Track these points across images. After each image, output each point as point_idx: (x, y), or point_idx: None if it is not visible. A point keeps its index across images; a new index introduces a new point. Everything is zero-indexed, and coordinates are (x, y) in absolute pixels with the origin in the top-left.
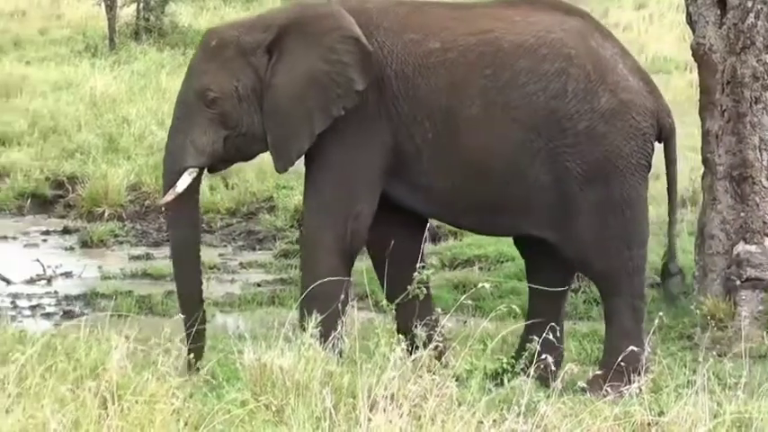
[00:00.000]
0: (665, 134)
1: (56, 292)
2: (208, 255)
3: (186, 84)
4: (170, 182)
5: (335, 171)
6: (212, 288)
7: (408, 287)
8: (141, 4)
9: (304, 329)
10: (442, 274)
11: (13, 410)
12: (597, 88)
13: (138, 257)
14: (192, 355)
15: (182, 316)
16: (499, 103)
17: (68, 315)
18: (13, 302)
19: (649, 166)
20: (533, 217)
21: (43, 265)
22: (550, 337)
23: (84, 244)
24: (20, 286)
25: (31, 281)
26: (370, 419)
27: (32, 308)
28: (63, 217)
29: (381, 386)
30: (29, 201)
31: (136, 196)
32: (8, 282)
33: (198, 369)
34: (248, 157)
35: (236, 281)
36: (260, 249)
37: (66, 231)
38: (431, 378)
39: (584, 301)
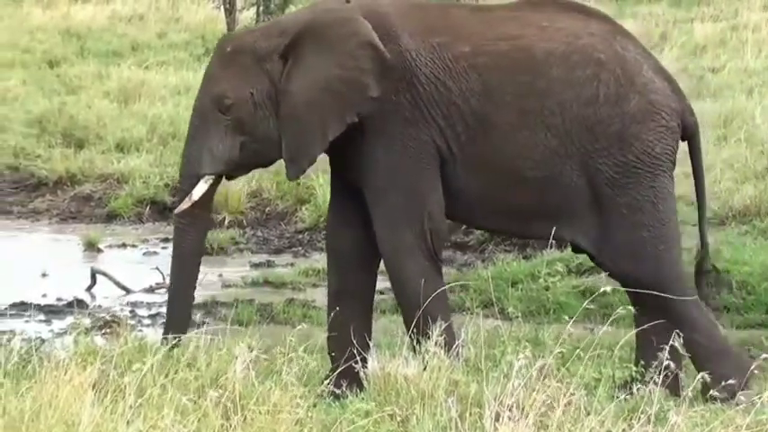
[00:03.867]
0: (690, 132)
1: None
2: None
3: (202, 90)
4: (186, 190)
5: (393, 175)
6: None
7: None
8: (261, 8)
9: (428, 336)
10: (569, 280)
11: (133, 421)
12: (627, 92)
13: (258, 265)
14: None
15: (167, 323)
16: (534, 110)
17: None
18: (132, 311)
19: (674, 164)
20: (565, 221)
21: (163, 274)
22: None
23: (204, 251)
24: (139, 295)
25: (150, 289)
26: (496, 429)
27: (152, 317)
28: None
29: (507, 395)
30: (148, 208)
31: (257, 203)
32: (127, 290)
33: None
34: (267, 163)
35: None
36: None
37: None
38: (557, 386)
39: (713, 309)
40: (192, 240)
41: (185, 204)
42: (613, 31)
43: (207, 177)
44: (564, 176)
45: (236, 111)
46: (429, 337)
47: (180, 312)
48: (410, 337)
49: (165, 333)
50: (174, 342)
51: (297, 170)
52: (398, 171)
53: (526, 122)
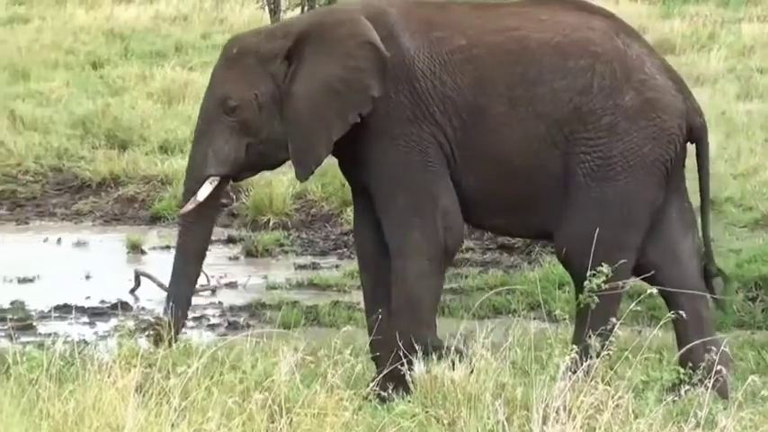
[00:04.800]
0: (696, 134)
1: (220, 303)
2: None
3: (208, 92)
4: (191, 190)
5: (400, 176)
6: None
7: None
8: (306, 8)
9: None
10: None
11: (178, 424)
12: (622, 86)
13: (303, 267)
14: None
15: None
16: (525, 99)
17: (233, 326)
18: None
19: (668, 171)
20: (549, 213)
21: (207, 276)
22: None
23: (249, 253)
24: None
25: (194, 292)
26: None
27: (197, 319)
28: (227, 226)
29: (554, 398)
30: None
31: (301, 205)
32: None
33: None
34: (274, 164)
35: None
36: None
37: (230, 241)
38: (605, 389)
39: (763, 310)
40: (195, 240)
41: (190, 205)
42: (617, 29)
43: (212, 179)
44: (550, 164)
45: (241, 112)
46: (412, 337)
47: (176, 311)
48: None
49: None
50: (168, 343)
51: (304, 172)
52: (405, 172)
53: (517, 112)
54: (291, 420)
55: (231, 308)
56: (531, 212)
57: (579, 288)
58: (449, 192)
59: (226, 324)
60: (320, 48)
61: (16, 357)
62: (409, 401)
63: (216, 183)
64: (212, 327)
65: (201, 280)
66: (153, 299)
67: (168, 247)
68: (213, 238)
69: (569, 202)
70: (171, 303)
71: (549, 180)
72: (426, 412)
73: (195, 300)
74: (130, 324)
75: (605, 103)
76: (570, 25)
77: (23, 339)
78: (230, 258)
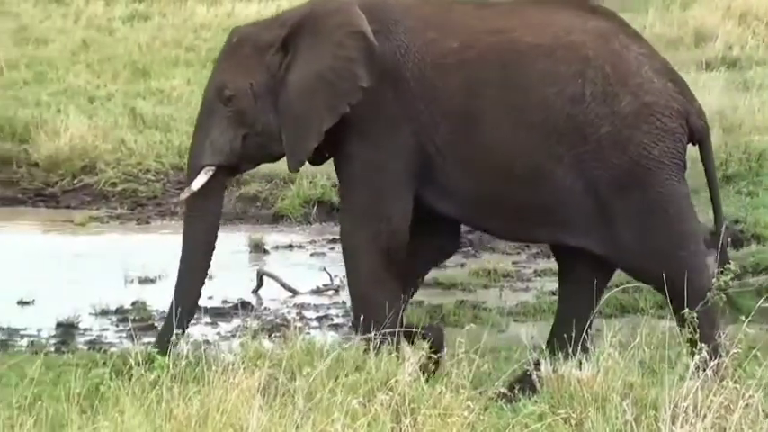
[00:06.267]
0: (698, 136)
1: (343, 303)
2: (501, 262)
3: (208, 81)
4: (189, 180)
5: (362, 172)
6: (506, 296)
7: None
8: None
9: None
10: (745, 279)
11: (302, 425)
12: (617, 91)
13: None
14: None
15: (174, 310)
16: (516, 105)
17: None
18: (300, 314)
19: (684, 166)
20: (571, 227)
21: (330, 275)
22: None
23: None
24: (307, 297)
25: (318, 291)
26: None
27: (320, 319)
28: None
29: (683, 397)
30: (315, 208)
31: None
32: (295, 292)
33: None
34: (274, 157)
35: (531, 289)
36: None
37: None
38: (735, 388)
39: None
40: (200, 232)
41: (184, 195)
42: (615, 30)
43: (207, 168)
44: (556, 178)
45: (237, 102)
46: (368, 334)
47: (184, 304)
48: (355, 332)
49: (165, 327)
50: (169, 340)
51: (296, 163)
52: (368, 168)
53: (509, 118)
54: (416, 420)
55: None
56: (540, 221)
57: (672, 299)
58: (402, 196)
59: (349, 324)
60: (313, 37)
61: (138, 358)
62: (536, 401)
63: (211, 173)
64: (336, 327)
65: (324, 279)
66: (276, 299)
67: (291, 247)
68: (336, 236)
69: (607, 219)
70: (178, 298)
71: (557, 192)
72: (553, 413)
73: (318, 299)
74: (254, 325)
75: (600, 111)
76: (564, 27)
77: (145, 340)
78: None
